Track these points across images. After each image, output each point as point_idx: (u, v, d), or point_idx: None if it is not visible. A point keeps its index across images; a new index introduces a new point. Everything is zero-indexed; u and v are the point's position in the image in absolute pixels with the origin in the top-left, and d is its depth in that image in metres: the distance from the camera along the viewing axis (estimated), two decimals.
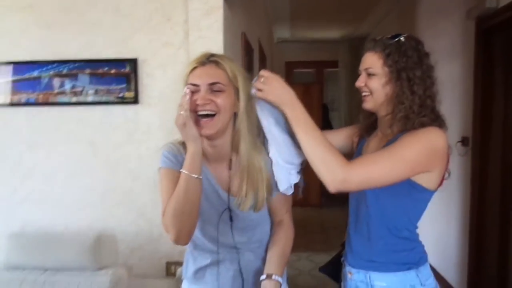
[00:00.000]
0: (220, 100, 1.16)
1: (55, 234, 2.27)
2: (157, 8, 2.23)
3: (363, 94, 1.30)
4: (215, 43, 2.01)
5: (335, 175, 1.13)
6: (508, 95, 2.75)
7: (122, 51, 2.27)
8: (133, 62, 2.25)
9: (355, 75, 1.34)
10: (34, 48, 2.32)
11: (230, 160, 1.26)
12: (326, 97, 7.50)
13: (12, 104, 2.35)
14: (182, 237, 1.17)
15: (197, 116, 1.15)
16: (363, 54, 1.32)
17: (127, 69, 2.26)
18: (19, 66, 2.33)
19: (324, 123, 6.71)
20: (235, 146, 1.24)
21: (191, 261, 1.35)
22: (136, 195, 2.28)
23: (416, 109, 1.21)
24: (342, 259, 1.43)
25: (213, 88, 1.16)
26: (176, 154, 1.23)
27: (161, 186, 1.22)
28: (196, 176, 1.13)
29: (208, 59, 1.18)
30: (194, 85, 1.16)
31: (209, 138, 1.19)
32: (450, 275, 3.40)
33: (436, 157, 1.19)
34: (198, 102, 1.14)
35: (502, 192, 2.75)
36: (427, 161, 1.18)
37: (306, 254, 4.21)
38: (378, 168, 1.15)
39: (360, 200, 1.31)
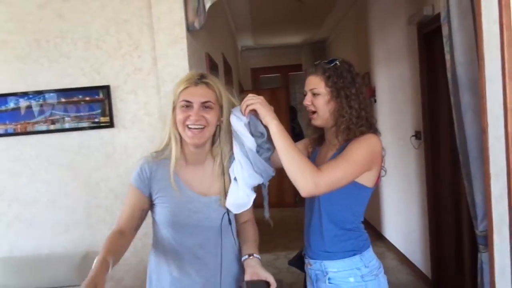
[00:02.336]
0: (210, 116, 1.38)
1: (43, 255, 2.39)
2: (125, 38, 2.40)
3: (310, 111, 1.54)
4: (182, 69, 2.21)
5: (307, 181, 1.35)
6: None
7: (95, 79, 2.43)
8: (106, 89, 2.41)
9: None
10: (12, 80, 2.45)
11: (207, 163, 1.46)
12: (294, 100, 7.75)
13: None
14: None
15: (187, 126, 1.36)
16: (306, 77, 1.57)
17: (101, 96, 2.42)
18: None
19: (294, 124, 6.96)
20: (213, 152, 1.45)
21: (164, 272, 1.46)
22: (118, 212, 2.42)
23: (354, 120, 1.47)
24: (303, 252, 1.66)
25: (204, 105, 1.37)
26: (145, 172, 1.41)
27: (126, 198, 1.45)
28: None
29: (200, 80, 1.40)
30: (187, 101, 1.36)
31: (196, 146, 1.40)
32: (416, 258, 3.67)
33: (375, 157, 1.46)
34: (192, 118, 1.35)
35: (452, 177, 3.03)
36: (370, 161, 1.44)
37: (284, 253, 4.42)
38: (340, 172, 1.38)
39: (314, 201, 1.54)
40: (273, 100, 6.44)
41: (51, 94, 2.44)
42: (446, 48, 2.07)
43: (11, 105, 2.46)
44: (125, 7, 2.39)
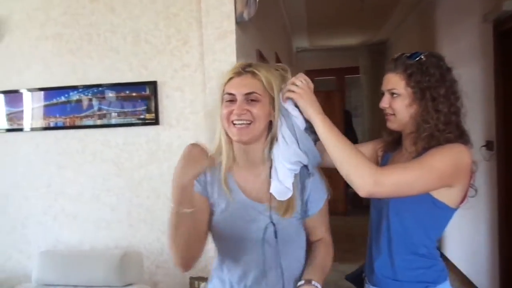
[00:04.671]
0: (256, 109, 1.18)
1: (83, 252, 2.38)
2: (174, 33, 2.32)
3: (387, 114, 1.32)
4: (229, 65, 2.05)
5: (366, 178, 1.13)
6: None
7: (143, 75, 2.37)
8: (152, 85, 2.34)
9: (377, 80, 1.36)
10: (63, 74, 2.46)
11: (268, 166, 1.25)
12: (350, 104, 7.47)
13: (44, 128, 2.49)
14: (183, 265, 1.18)
15: (231, 123, 1.19)
16: (384, 74, 1.33)
17: (148, 92, 2.35)
18: (49, 92, 2.47)
19: (347, 130, 6.67)
20: (266, 152, 1.24)
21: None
22: (159, 213, 2.36)
23: (441, 127, 1.22)
24: (363, 274, 1.44)
25: (249, 97, 1.18)
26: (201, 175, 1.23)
27: None
28: (186, 210, 1.12)
29: (245, 70, 1.21)
30: (230, 94, 1.19)
31: (244, 143, 1.21)
32: (481, 280, 3.32)
33: (460, 172, 1.20)
34: (235, 112, 1.17)
35: None
36: (451, 174, 1.19)
37: (333, 264, 4.19)
38: (408, 175, 1.16)
39: (382, 215, 1.32)
40: (327, 104, 6.21)
41: (99, 88, 2.41)
42: None
43: (62, 98, 2.47)
44: (174, 1, 2.31)
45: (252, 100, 1.19)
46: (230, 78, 1.21)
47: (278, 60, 4.00)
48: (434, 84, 1.23)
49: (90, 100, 2.43)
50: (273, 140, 1.23)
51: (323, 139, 1.19)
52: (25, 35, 2.49)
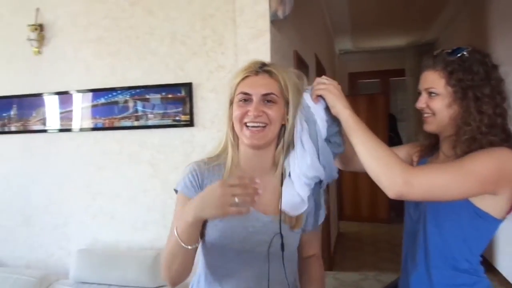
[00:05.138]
0: (272, 112, 1.11)
1: (118, 251, 2.40)
2: (210, 34, 2.31)
3: (425, 115, 1.22)
4: None
5: (396, 177, 1.04)
6: None
7: (179, 76, 2.38)
8: (188, 86, 2.34)
9: None
10: (104, 76, 2.51)
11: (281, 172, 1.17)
12: (395, 107, 7.21)
13: (84, 129, 2.56)
14: (172, 284, 1.12)
15: (244, 125, 1.11)
16: (421, 72, 1.24)
17: (183, 93, 2.35)
18: (90, 94, 2.53)
19: (392, 133, 6.44)
20: (276, 159, 1.17)
21: None
22: None
23: (484, 129, 1.10)
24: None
25: (265, 98, 1.11)
26: (195, 178, 1.16)
27: (174, 210, 1.17)
28: (190, 246, 1.04)
29: (262, 69, 1.14)
30: (245, 94, 1.11)
31: (256, 147, 1.14)
32: None
33: (506, 179, 1.08)
34: (251, 113, 1.09)
35: None
36: (496, 180, 1.07)
37: (373, 273, 4.02)
38: (443, 177, 1.05)
39: (418, 225, 1.21)
40: (371, 107, 6.02)
41: (137, 90, 2.44)
42: None
43: (102, 100, 2.52)
44: (210, 1, 2.30)
45: (268, 101, 1.11)
46: (245, 77, 1.13)
47: (318, 62, 3.91)
48: (477, 82, 1.12)
49: (128, 101, 2.46)
50: (288, 147, 1.15)
51: (350, 135, 1.12)
52: (69, 39, 2.57)
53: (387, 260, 4.41)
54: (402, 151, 1.39)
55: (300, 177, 1.13)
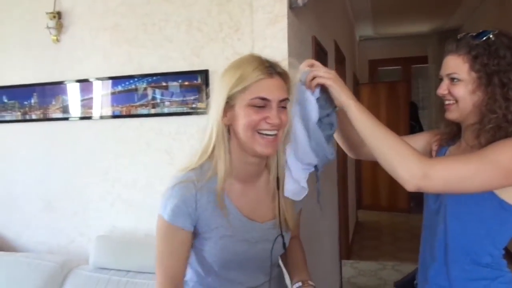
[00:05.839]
0: (285, 117, 1.06)
1: (136, 238, 2.43)
2: (226, 20, 2.28)
3: (447, 102, 1.17)
4: (280, 52, 1.98)
5: (414, 170, 1.00)
6: None
7: (195, 63, 2.36)
8: (204, 74, 2.32)
9: None
10: (121, 63, 2.51)
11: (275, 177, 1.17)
12: (417, 95, 7.07)
13: (102, 117, 2.57)
14: None
15: (256, 132, 1.05)
16: (444, 56, 1.19)
17: (199, 81, 2.34)
18: (107, 81, 2.54)
19: (413, 122, 6.31)
20: (269, 162, 1.14)
21: None
22: None
23: (510, 117, 1.06)
24: (415, 282, 1.31)
25: (281, 104, 1.05)
26: (187, 206, 1.08)
27: (159, 244, 1.09)
28: None
29: (276, 70, 1.07)
30: (264, 99, 1.03)
31: (267, 156, 1.10)
32: None
33: None
34: (271, 121, 1.02)
35: None
36: None
37: (392, 263, 3.98)
38: (464, 168, 1.00)
39: (438, 217, 1.17)
40: (391, 95, 5.91)
41: (154, 78, 2.43)
42: None
43: (119, 88, 2.53)
44: None
45: (283, 107, 1.06)
46: (261, 79, 1.04)
47: (337, 48, 3.83)
48: (504, 67, 1.06)
49: (145, 89, 2.46)
50: (285, 140, 1.13)
51: (359, 128, 1.08)
52: (86, 26, 2.57)
53: (406, 250, 4.36)
54: (421, 139, 1.35)
55: (297, 163, 1.12)
